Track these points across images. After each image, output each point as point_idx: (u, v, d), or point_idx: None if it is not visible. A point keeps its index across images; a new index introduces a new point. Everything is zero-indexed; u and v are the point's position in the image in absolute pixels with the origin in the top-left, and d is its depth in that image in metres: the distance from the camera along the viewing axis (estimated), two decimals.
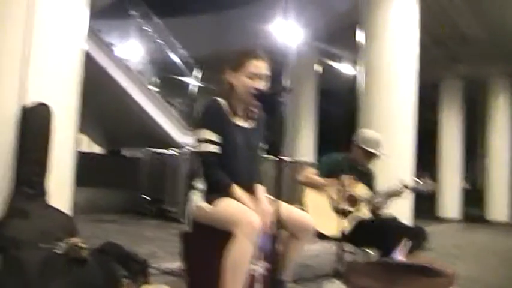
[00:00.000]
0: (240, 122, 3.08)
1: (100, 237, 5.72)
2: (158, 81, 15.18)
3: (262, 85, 2.98)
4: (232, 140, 2.98)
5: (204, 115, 3.01)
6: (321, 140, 17.25)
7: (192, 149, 10.25)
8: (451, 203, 17.37)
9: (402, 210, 7.31)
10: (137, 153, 13.75)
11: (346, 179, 4.52)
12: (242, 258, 2.71)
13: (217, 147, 2.94)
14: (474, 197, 19.46)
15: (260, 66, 3.00)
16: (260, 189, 3.13)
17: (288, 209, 2.87)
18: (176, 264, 4.84)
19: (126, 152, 16.37)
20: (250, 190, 3.01)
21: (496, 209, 17.06)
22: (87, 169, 8.01)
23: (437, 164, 17.53)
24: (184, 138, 13.42)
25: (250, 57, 3.02)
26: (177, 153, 11.17)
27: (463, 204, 17.85)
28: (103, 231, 7.63)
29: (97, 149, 18.77)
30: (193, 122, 3.08)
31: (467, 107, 18.41)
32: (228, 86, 3.05)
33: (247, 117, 3.11)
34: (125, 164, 13.96)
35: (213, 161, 2.93)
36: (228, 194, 2.90)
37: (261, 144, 3.21)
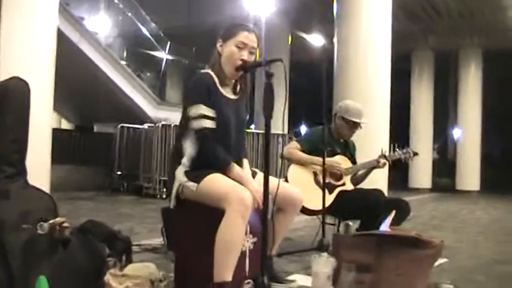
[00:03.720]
0: (229, 95, 3.01)
1: (76, 215, 5.64)
2: (128, 55, 14.96)
3: (248, 57, 2.91)
4: (223, 114, 2.90)
5: (196, 89, 2.92)
6: (293, 112, 17.29)
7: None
8: (422, 173, 17.59)
9: (378, 181, 7.34)
10: (109, 128, 13.56)
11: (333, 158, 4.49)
12: (234, 236, 2.64)
13: (213, 122, 2.86)
14: (445, 167, 19.76)
15: (249, 38, 2.95)
16: (247, 164, 3.07)
17: (276, 183, 2.80)
18: (156, 241, 4.79)
19: (98, 128, 16.15)
20: (239, 165, 2.94)
21: (467, 179, 17.32)
22: (59, 146, 7.85)
23: (409, 135, 17.69)
24: (157, 112, 13.28)
25: (242, 28, 2.98)
26: (151, 128, 11.03)
27: (434, 174, 18.12)
28: (78, 209, 7.50)
29: (65, 125, 18.49)
30: (185, 96, 2.97)
31: (439, 78, 18.55)
32: (217, 56, 2.99)
33: (234, 90, 3.04)
34: (97, 140, 13.78)
35: (210, 137, 2.84)
36: (224, 171, 2.82)
37: (247, 117, 3.16)
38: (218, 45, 2.99)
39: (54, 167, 7.12)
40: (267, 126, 2.53)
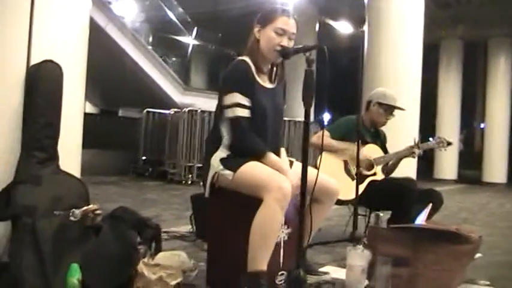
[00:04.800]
0: (266, 83, 2.92)
1: (102, 200, 5.59)
2: (154, 40, 14.90)
3: (287, 43, 2.82)
4: (260, 103, 2.82)
5: (232, 77, 2.84)
6: (316, 100, 17.12)
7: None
8: (448, 164, 17.32)
9: (406, 171, 7.18)
10: (134, 113, 13.54)
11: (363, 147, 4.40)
12: (272, 225, 2.56)
13: (248, 111, 2.78)
14: (471, 158, 19.43)
15: (289, 24, 2.85)
16: (284, 153, 2.99)
17: (313, 173, 2.71)
18: (184, 228, 4.74)
19: (123, 112, 16.16)
20: (276, 154, 2.86)
21: (494, 171, 17.01)
22: (83, 130, 7.82)
23: (435, 125, 17.43)
24: (183, 98, 13.23)
25: (280, 13, 2.87)
26: (177, 114, 10.97)
27: (459, 166, 17.83)
28: (104, 194, 7.49)
29: (90, 109, 18.52)
30: (220, 85, 2.89)
31: (467, 68, 18.20)
32: (254, 42, 2.89)
33: (271, 76, 2.96)
34: (122, 124, 13.76)
35: (245, 125, 2.76)
36: (260, 159, 2.74)
37: (285, 106, 3.07)
38: (256, 30, 2.89)
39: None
40: (307, 114, 2.45)
